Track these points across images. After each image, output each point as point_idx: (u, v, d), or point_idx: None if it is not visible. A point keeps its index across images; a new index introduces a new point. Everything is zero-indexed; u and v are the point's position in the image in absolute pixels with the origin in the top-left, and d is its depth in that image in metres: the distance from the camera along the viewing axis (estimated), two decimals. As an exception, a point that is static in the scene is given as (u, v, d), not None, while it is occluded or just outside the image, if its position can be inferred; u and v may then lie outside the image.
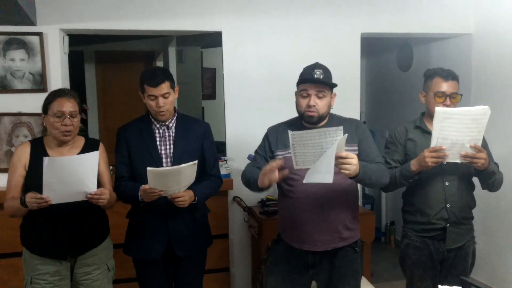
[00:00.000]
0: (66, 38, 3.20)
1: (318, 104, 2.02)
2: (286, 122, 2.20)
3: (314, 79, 2.01)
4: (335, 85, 2.06)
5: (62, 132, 2.12)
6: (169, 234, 2.30)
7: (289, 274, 2.16)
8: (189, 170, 2.10)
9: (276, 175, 1.91)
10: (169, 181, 2.10)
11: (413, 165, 2.21)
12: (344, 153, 1.83)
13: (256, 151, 2.24)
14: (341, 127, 1.79)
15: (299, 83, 2.08)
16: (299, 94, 2.07)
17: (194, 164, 2.10)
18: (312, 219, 2.07)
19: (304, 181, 1.88)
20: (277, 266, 2.19)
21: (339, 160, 1.82)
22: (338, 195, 2.07)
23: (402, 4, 3.60)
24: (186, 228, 2.32)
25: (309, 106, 2.02)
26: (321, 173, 1.82)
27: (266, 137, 2.21)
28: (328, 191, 2.04)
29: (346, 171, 1.85)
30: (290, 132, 1.86)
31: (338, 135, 1.78)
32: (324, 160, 1.81)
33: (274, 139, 2.15)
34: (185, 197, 2.19)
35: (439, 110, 2.06)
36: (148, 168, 2.02)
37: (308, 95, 2.03)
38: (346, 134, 1.80)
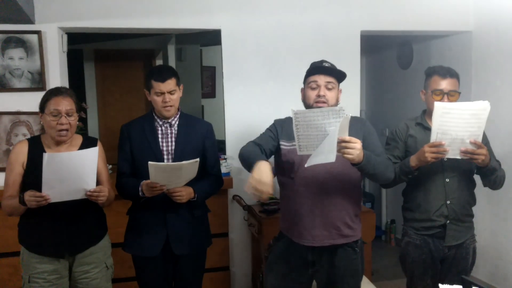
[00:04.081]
0: (65, 37, 3.19)
1: (328, 94, 2.02)
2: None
3: (325, 67, 2.03)
4: (344, 75, 2.07)
5: (58, 131, 2.11)
6: (167, 232, 2.30)
7: (289, 272, 2.15)
8: (190, 167, 2.12)
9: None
10: (170, 176, 2.12)
11: (413, 160, 2.20)
12: (347, 137, 1.80)
13: (260, 135, 2.18)
14: (344, 108, 1.78)
15: (309, 74, 2.08)
16: (308, 86, 2.07)
17: (196, 161, 2.11)
18: (311, 213, 2.06)
19: (306, 165, 1.86)
20: (277, 264, 2.19)
21: (342, 144, 1.79)
22: (339, 190, 2.06)
23: (402, 1, 3.59)
24: (184, 226, 2.32)
25: (318, 96, 2.02)
26: (324, 153, 1.78)
27: (273, 125, 2.19)
28: (329, 185, 2.03)
29: (349, 156, 1.82)
30: (292, 111, 1.83)
31: (341, 115, 1.76)
32: (327, 141, 1.78)
33: (280, 129, 2.14)
34: (183, 193, 2.20)
35: (438, 104, 2.06)
36: (150, 162, 2.04)
37: (318, 86, 2.03)
38: (350, 114, 1.78)
